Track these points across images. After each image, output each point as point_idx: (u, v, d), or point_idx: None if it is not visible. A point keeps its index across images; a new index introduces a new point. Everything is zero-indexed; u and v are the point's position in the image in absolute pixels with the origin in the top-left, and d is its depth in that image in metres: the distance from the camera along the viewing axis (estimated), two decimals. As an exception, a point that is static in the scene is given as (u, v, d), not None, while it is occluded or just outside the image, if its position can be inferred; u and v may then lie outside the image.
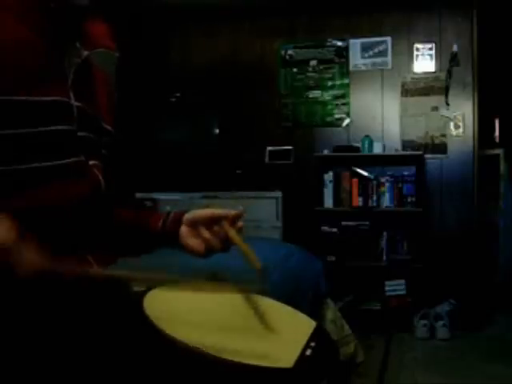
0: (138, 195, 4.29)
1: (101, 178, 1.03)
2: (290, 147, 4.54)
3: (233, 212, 1.05)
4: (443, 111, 4.30)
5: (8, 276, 0.77)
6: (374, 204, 4.26)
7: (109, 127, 1.09)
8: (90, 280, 0.90)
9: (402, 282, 4.20)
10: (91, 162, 1.00)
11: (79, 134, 0.97)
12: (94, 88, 1.05)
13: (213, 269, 0.97)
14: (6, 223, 0.78)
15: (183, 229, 1.08)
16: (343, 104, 4.51)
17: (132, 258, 1.11)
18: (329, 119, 4.54)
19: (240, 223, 1.06)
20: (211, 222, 1.06)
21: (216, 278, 0.99)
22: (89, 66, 1.03)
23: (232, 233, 1.04)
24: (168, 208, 1.20)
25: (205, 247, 1.06)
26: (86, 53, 1.00)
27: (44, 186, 0.90)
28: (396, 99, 4.39)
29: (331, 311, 3.09)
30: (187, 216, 1.08)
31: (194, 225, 1.07)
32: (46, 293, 0.87)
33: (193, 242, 1.07)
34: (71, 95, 0.95)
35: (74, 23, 0.98)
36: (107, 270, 0.96)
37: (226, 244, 1.06)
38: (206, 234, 1.06)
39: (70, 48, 0.98)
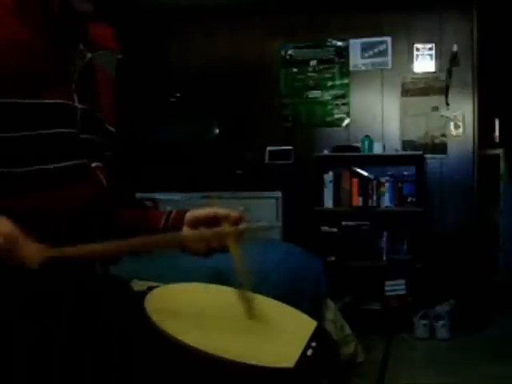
0: (138, 195, 4.29)
1: (103, 179, 1.03)
2: (290, 147, 4.54)
3: (233, 213, 1.04)
4: (443, 111, 4.29)
5: (15, 269, 0.77)
6: (374, 204, 4.25)
7: (112, 128, 1.09)
8: (93, 281, 0.90)
9: (402, 281, 4.20)
10: (94, 164, 1.00)
11: (82, 136, 0.97)
12: (97, 89, 1.05)
13: (214, 270, 0.97)
14: (6, 220, 0.78)
15: (185, 228, 1.07)
16: (343, 104, 4.51)
17: (135, 261, 1.11)
18: (329, 119, 4.54)
19: (241, 226, 1.04)
20: (212, 222, 1.04)
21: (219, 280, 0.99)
22: (92, 68, 1.03)
23: (230, 240, 1.01)
24: (168, 208, 1.20)
25: (206, 247, 1.05)
26: (89, 55, 1.00)
27: (45, 189, 0.90)
28: (396, 99, 4.39)
29: (331, 311, 3.09)
30: (188, 215, 1.07)
31: (195, 224, 1.06)
32: (47, 294, 0.87)
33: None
34: (75, 97, 0.96)
35: (77, 26, 0.98)
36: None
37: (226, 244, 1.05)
38: (206, 233, 1.04)
39: (74, 50, 0.98)
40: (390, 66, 4.40)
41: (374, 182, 4.27)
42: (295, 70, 4.59)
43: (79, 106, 0.96)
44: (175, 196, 4.20)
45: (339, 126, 4.51)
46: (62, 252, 0.83)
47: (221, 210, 1.04)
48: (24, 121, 0.87)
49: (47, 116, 0.90)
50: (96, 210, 0.98)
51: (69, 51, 0.97)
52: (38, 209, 0.88)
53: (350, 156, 4.30)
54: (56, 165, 0.91)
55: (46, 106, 0.90)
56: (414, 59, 4.34)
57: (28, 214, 0.87)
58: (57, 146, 0.92)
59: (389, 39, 4.39)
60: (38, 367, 0.82)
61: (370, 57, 4.44)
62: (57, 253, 0.82)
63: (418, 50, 4.34)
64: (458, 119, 4.28)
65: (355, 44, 4.46)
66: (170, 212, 1.11)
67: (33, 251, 0.78)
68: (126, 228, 1.10)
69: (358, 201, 4.27)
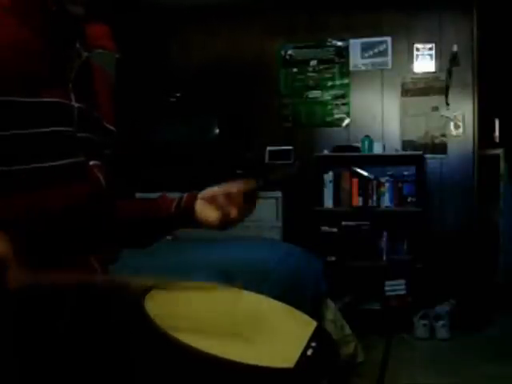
0: (138, 195, 4.28)
1: (101, 178, 1.02)
2: (290, 147, 4.53)
3: (246, 186, 1.08)
4: (443, 111, 4.29)
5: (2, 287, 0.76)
6: (374, 204, 4.26)
7: (111, 127, 1.09)
8: (88, 284, 0.90)
9: (402, 281, 4.20)
10: (92, 163, 1.00)
11: (79, 135, 0.97)
12: (95, 88, 1.05)
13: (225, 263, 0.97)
14: (3, 237, 0.77)
15: (198, 202, 1.10)
16: (343, 104, 4.51)
17: (136, 259, 1.11)
18: (329, 119, 4.54)
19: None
20: (226, 194, 1.07)
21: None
22: (89, 67, 1.03)
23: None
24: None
25: (221, 216, 1.07)
26: (86, 54, 1.01)
27: (42, 187, 0.90)
28: (396, 99, 4.39)
29: (331, 311, 3.09)
30: (201, 195, 1.11)
31: (210, 197, 1.09)
32: (45, 295, 0.87)
33: (208, 213, 1.08)
34: (72, 96, 0.96)
35: (74, 25, 0.98)
36: (97, 277, 0.95)
37: (242, 212, 1.07)
38: (221, 200, 1.07)
39: (71, 50, 0.98)
40: (390, 66, 4.40)
41: (374, 182, 4.27)
42: (295, 70, 4.59)
43: (76, 105, 0.96)
44: (175, 196, 4.19)
45: (339, 126, 4.51)
46: (37, 279, 0.82)
47: (234, 187, 1.07)
48: (21, 119, 0.88)
49: (44, 114, 0.90)
50: (94, 209, 0.98)
51: (66, 51, 0.97)
52: (35, 207, 0.88)
53: (350, 156, 4.30)
54: (52, 163, 0.91)
55: (42, 105, 0.90)
56: (414, 59, 4.34)
57: (24, 213, 0.87)
58: (53, 144, 0.92)
59: (389, 39, 4.39)
60: (35, 372, 0.82)
61: (370, 57, 4.44)
62: (33, 279, 0.81)
63: (417, 50, 4.34)
64: (458, 119, 4.28)
65: (355, 44, 4.46)
66: (182, 196, 1.14)
67: (17, 275, 0.77)
68: (135, 218, 1.11)
69: (358, 201, 4.27)
